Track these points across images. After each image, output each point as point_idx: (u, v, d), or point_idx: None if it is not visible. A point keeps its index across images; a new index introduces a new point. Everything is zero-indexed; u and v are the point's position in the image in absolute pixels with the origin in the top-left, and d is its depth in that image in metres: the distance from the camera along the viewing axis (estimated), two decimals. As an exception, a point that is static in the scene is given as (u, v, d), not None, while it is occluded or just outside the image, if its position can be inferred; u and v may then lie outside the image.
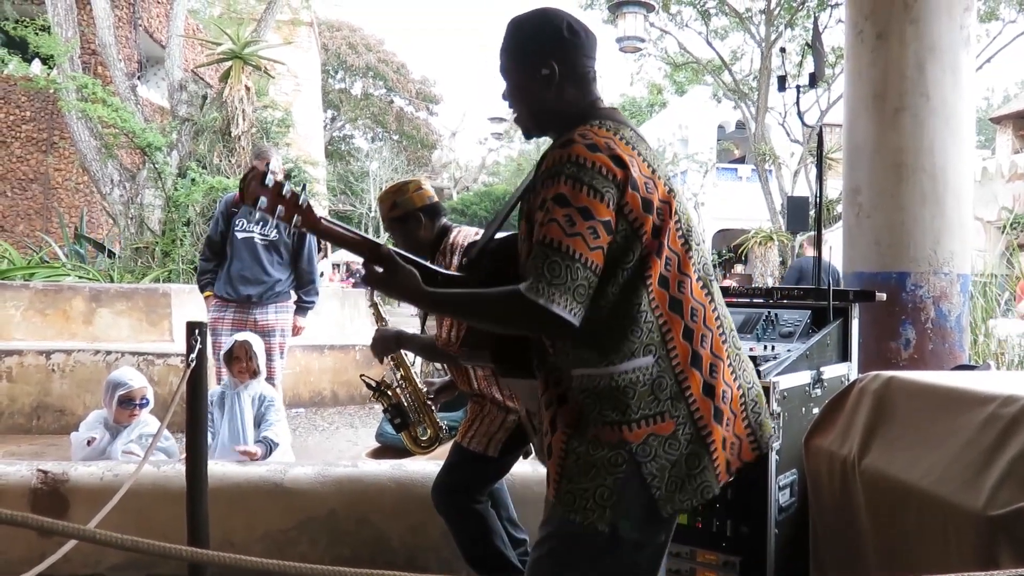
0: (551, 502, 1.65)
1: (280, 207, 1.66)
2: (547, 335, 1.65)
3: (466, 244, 2.63)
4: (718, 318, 1.66)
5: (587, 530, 1.58)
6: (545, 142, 1.75)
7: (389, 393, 2.95)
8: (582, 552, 1.60)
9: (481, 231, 2.77)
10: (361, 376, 3.13)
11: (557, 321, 1.49)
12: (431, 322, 2.70)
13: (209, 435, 3.90)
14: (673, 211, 1.60)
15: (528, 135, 1.79)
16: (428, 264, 1.80)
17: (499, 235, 1.87)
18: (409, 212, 2.70)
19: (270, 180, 1.64)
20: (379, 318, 3.00)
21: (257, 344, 4.25)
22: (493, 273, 1.75)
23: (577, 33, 1.69)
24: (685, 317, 1.59)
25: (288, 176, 11.02)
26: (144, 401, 3.90)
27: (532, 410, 1.88)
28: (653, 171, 1.60)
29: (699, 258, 1.65)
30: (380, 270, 1.68)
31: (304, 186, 1.74)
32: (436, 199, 2.78)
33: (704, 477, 1.58)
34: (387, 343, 2.79)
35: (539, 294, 1.48)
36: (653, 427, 1.56)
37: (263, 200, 1.64)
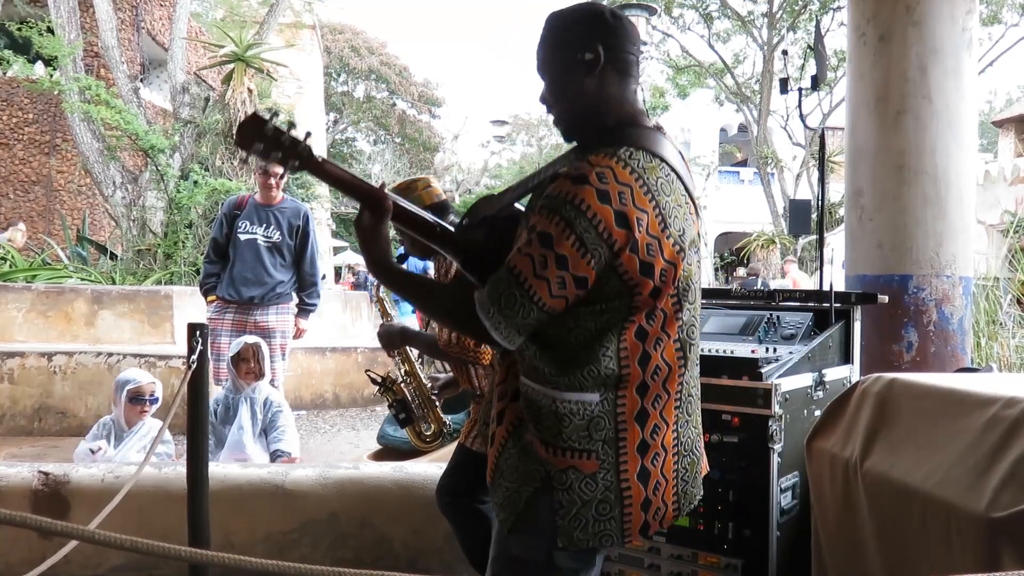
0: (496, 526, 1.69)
1: (276, 152, 1.60)
2: (482, 342, 1.71)
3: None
4: (681, 384, 1.60)
5: (522, 546, 1.61)
6: (543, 153, 1.69)
7: (394, 388, 2.95)
8: (523, 573, 1.64)
9: None
10: (367, 371, 3.15)
11: (493, 342, 1.55)
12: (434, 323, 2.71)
13: (211, 443, 3.94)
14: (678, 275, 1.54)
15: (568, 136, 1.68)
16: (430, 217, 1.75)
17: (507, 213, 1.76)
18: None
19: (269, 128, 1.59)
20: (384, 313, 3.01)
21: (264, 347, 4.27)
22: (484, 244, 1.68)
23: (621, 19, 1.62)
24: (646, 374, 1.54)
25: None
26: (154, 397, 3.89)
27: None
28: (664, 227, 1.50)
29: (688, 318, 1.59)
30: (370, 218, 1.64)
31: (308, 133, 1.68)
32: (444, 197, 2.79)
33: (607, 526, 1.55)
34: (392, 338, 2.80)
35: (487, 316, 1.51)
36: (576, 460, 1.53)
37: (258, 145, 1.59)
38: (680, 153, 1.64)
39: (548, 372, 1.55)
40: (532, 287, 1.47)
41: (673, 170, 1.56)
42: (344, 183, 1.65)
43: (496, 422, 1.68)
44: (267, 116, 1.60)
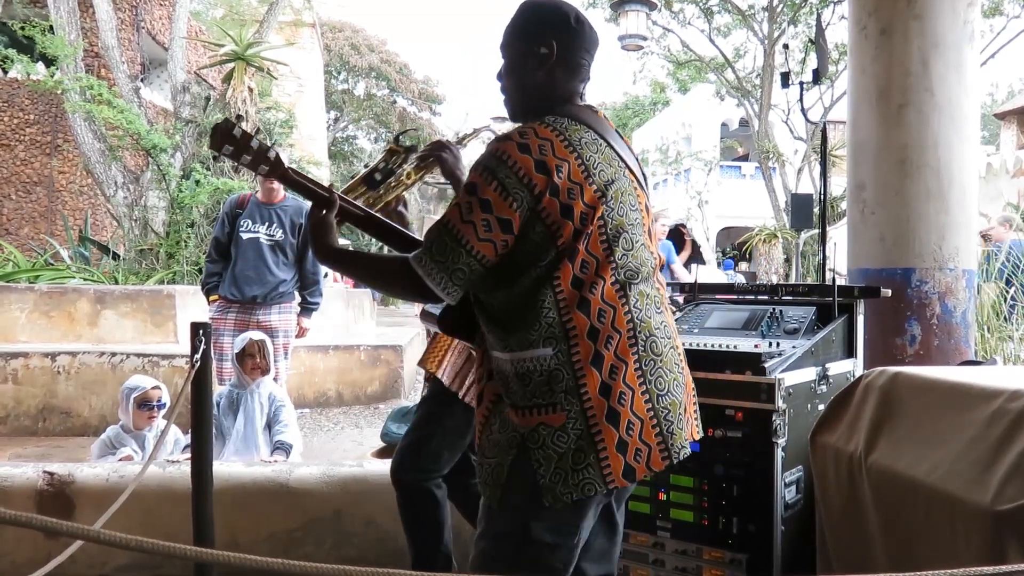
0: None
1: (246, 156, 1.77)
2: (425, 301, 1.80)
3: None
4: (630, 321, 1.65)
5: (504, 521, 1.65)
6: None
7: (398, 156, 2.54)
8: (504, 549, 1.66)
9: None
10: (399, 134, 2.66)
11: (431, 294, 1.62)
12: None
13: (219, 439, 3.95)
14: (598, 216, 1.63)
15: (512, 115, 1.83)
16: (377, 216, 1.93)
17: None
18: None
19: (238, 131, 1.75)
20: None
21: (268, 342, 4.29)
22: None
23: (583, 24, 1.76)
24: (592, 318, 1.61)
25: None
26: (161, 403, 3.92)
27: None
28: (588, 176, 1.62)
29: (625, 261, 1.66)
30: (319, 213, 1.80)
31: (274, 140, 1.84)
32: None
33: (588, 474, 1.59)
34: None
35: (421, 266, 1.60)
36: (544, 416, 1.61)
37: (228, 148, 1.75)
38: (617, 132, 1.78)
39: (503, 338, 1.65)
40: (460, 232, 1.58)
41: (601, 136, 1.70)
42: (302, 188, 1.84)
43: (477, 403, 1.76)
44: (238, 124, 1.79)
